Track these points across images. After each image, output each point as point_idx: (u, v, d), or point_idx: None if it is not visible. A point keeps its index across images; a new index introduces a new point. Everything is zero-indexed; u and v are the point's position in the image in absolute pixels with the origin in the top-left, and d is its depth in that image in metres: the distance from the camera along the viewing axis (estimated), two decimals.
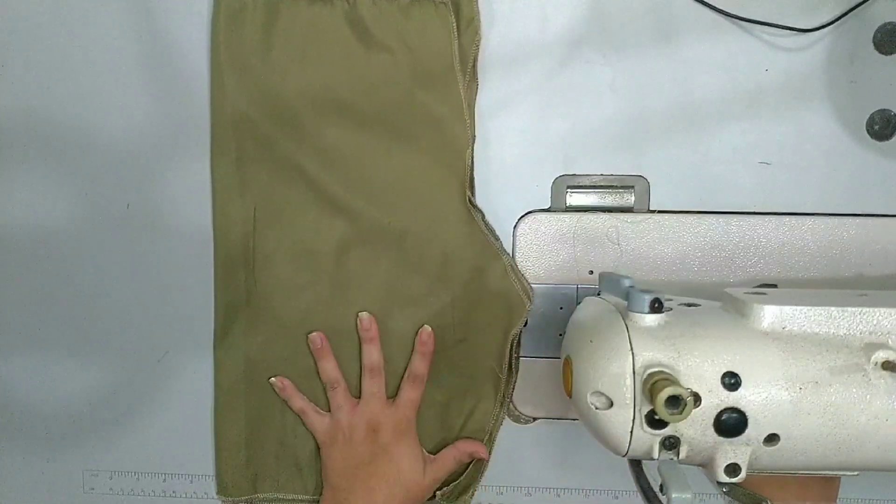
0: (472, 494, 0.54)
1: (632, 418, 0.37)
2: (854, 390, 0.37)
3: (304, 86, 0.51)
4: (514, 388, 0.53)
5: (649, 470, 0.40)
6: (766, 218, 0.51)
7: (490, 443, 0.54)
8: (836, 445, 0.37)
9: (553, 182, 0.52)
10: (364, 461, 0.51)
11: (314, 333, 0.53)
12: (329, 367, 0.53)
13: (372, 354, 0.52)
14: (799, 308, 0.38)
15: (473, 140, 0.51)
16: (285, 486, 0.55)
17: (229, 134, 0.52)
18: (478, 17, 0.50)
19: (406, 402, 0.52)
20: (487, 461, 0.54)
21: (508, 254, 0.52)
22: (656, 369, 0.36)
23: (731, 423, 0.36)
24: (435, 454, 0.53)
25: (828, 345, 0.38)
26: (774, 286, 0.50)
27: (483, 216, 0.52)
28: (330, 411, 0.53)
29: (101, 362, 0.56)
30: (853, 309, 0.38)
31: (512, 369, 0.53)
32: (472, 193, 0.52)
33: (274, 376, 0.54)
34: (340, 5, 0.50)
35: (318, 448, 0.54)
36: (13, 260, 0.56)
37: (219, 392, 0.55)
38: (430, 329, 0.52)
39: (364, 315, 0.52)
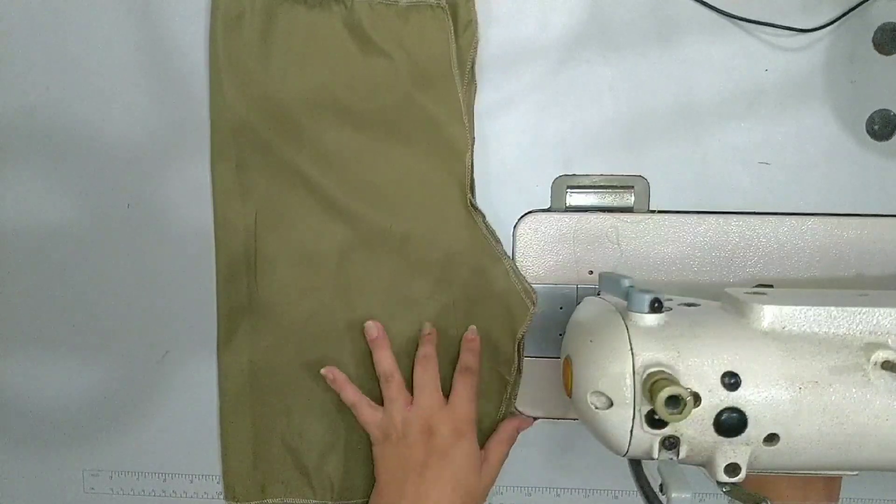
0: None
1: (632, 418, 0.37)
2: (854, 390, 0.37)
3: (303, 90, 0.51)
4: (518, 390, 0.53)
5: (649, 470, 0.40)
6: (766, 218, 0.51)
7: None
8: (836, 445, 0.37)
9: (553, 182, 0.52)
10: (417, 463, 0.47)
11: (370, 322, 0.51)
12: (385, 358, 0.51)
13: (426, 348, 0.51)
14: (799, 308, 0.38)
15: (473, 142, 0.51)
16: (294, 491, 0.55)
17: (229, 139, 0.52)
18: (475, 19, 0.50)
19: (462, 398, 0.49)
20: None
21: (509, 256, 0.52)
22: (656, 369, 0.36)
23: (731, 423, 0.36)
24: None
25: (828, 345, 0.38)
26: (771, 286, 0.51)
27: (484, 218, 0.52)
28: (383, 406, 0.51)
29: (101, 362, 0.56)
30: (853, 309, 0.38)
31: (518, 370, 0.53)
32: (473, 195, 0.52)
33: (323, 367, 0.52)
34: (338, 10, 0.50)
35: (324, 451, 0.54)
36: (13, 260, 0.56)
37: (224, 398, 0.55)
38: (474, 327, 0.52)
39: (427, 326, 0.52)
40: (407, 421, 0.49)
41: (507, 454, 0.51)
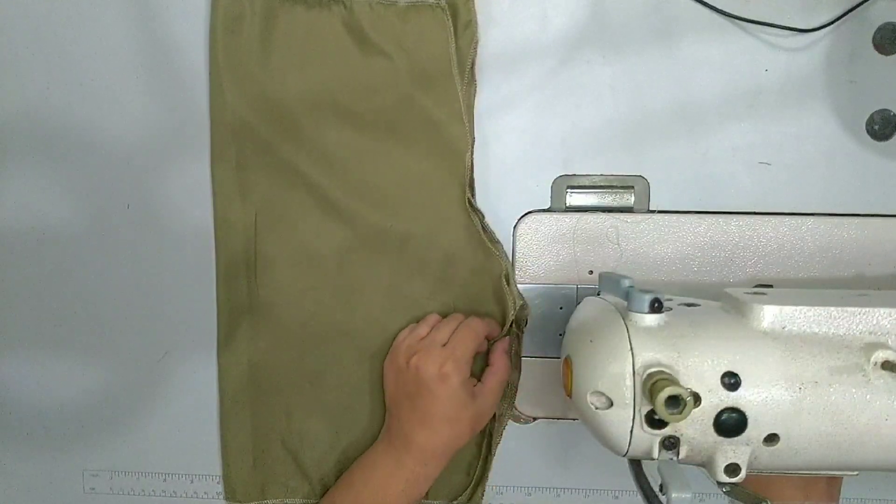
0: (482, 494, 0.54)
1: (632, 418, 0.37)
2: (854, 390, 0.37)
3: (303, 91, 0.51)
4: (516, 389, 0.53)
5: (649, 470, 0.40)
6: (766, 218, 0.51)
7: (495, 443, 0.54)
8: (835, 445, 0.37)
9: (553, 182, 0.52)
10: (409, 392, 0.49)
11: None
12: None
13: (457, 314, 0.52)
14: (799, 308, 0.38)
15: (473, 142, 0.51)
16: (294, 491, 0.55)
17: (229, 140, 0.52)
18: (475, 19, 0.50)
19: (458, 339, 0.50)
20: (493, 456, 0.54)
21: (508, 258, 0.52)
22: (656, 369, 0.36)
23: (731, 423, 0.36)
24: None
25: (828, 345, 0.38)
26: (771, 286, 0.51)
27: (483, 218, 0.52)
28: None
29: (101, 362, 0.56)
30: (853, 309, 0.38)
31: (517, 369, 0.53)
32: (473, 195, 0.52)
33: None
34: (338, 10, 0.50)
35: (324, 452, 0.55)
36: (13, 260, 0.56)
37: (224, 398, 0.55)
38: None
39: None
40: (410, 350, 0.50)
41: (502, 381, 0.51)
